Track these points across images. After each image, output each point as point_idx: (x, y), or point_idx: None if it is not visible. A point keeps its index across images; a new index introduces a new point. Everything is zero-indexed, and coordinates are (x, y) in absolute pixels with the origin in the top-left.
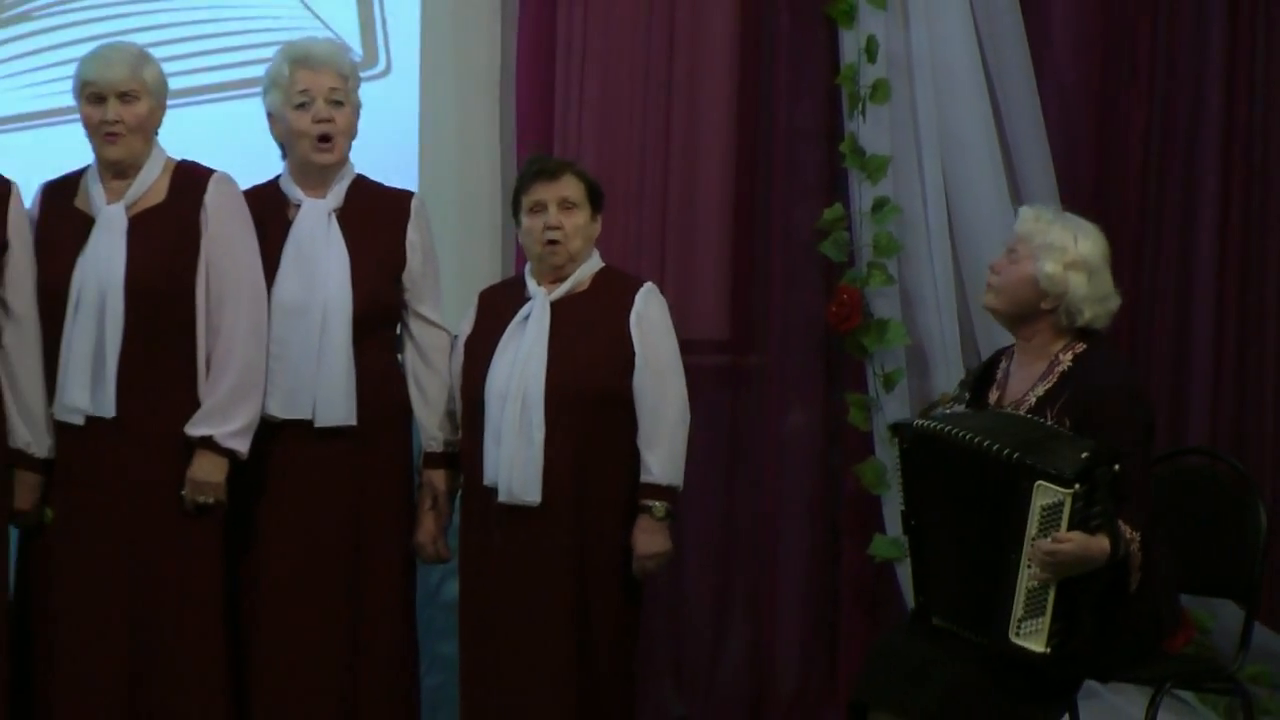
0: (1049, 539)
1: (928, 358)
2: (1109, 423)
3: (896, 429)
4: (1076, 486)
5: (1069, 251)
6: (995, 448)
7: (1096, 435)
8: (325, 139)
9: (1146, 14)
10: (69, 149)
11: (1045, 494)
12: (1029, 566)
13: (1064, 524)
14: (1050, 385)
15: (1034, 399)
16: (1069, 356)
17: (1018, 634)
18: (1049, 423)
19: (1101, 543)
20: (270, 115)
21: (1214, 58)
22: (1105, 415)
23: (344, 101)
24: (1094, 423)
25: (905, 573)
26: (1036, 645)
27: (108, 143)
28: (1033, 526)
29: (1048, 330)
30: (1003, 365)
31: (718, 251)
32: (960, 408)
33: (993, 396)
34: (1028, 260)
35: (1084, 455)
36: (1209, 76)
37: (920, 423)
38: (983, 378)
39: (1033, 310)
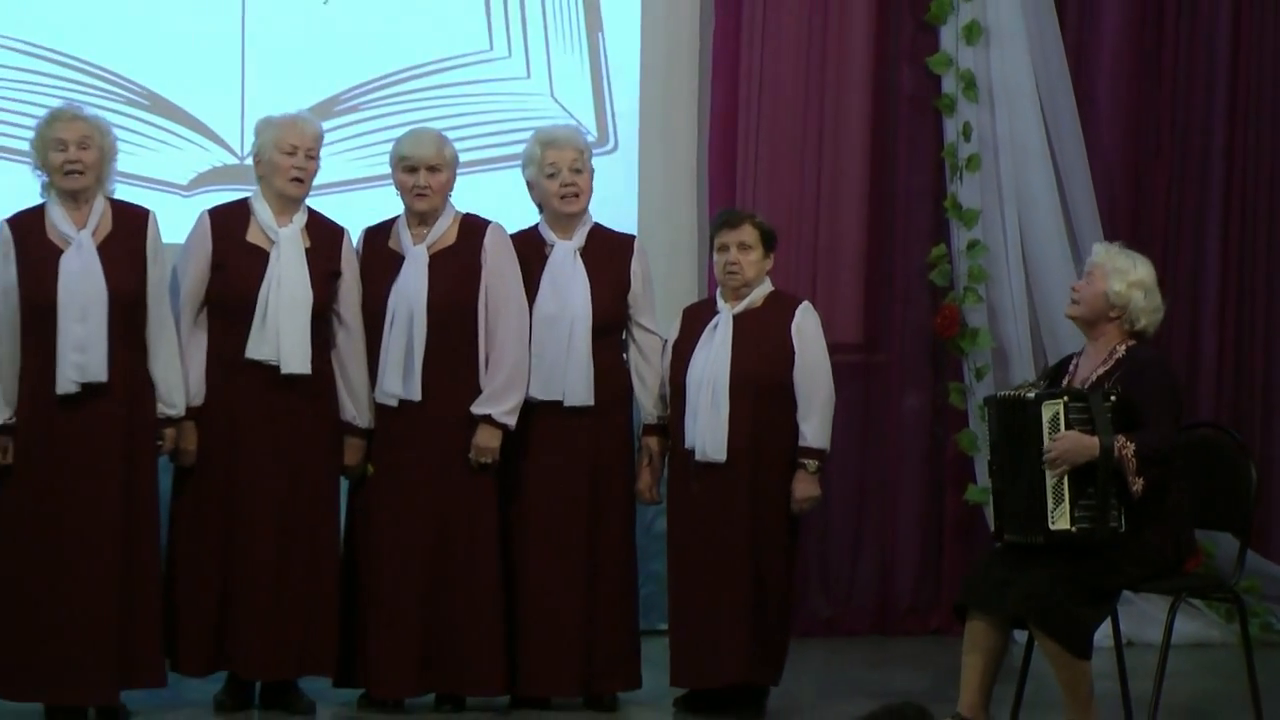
0: (1051, 440)
1: (1007, 355)
2: (1145, 385)
3: (986, 401)
4: (1066, 399)
5: (1130, 275)
6: (1024, 394)
7: (1134, 393)
8: (570, 197)
9: (1166, 97)
10: (378, 206)
11: (1048, 409)
12: (1048, 467)
13: (1061, 427)
14: (1108, 368)
15: (1095, 377)
16: (1124, 349)
17: (1053, 522)
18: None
19: (1090, 440)
20: (529, 184)
21: (1217, 128)
22: (1143, 380)
23: (582, 169)
24: (1135, 386)
25: (989, 513)
26: (1065, 525)
27: (418, 201)
28: (1046, 437)
29: (1113, 332)
30: (1073, 363)
31: (855, 278)
32: (1038, 385)
33: (1065, 384)
34: (1101, 281)
35: (1081, 390)
36: (1214, 145)
37: (995, 394)
38: (1056, 372)
39: (1103, 317)
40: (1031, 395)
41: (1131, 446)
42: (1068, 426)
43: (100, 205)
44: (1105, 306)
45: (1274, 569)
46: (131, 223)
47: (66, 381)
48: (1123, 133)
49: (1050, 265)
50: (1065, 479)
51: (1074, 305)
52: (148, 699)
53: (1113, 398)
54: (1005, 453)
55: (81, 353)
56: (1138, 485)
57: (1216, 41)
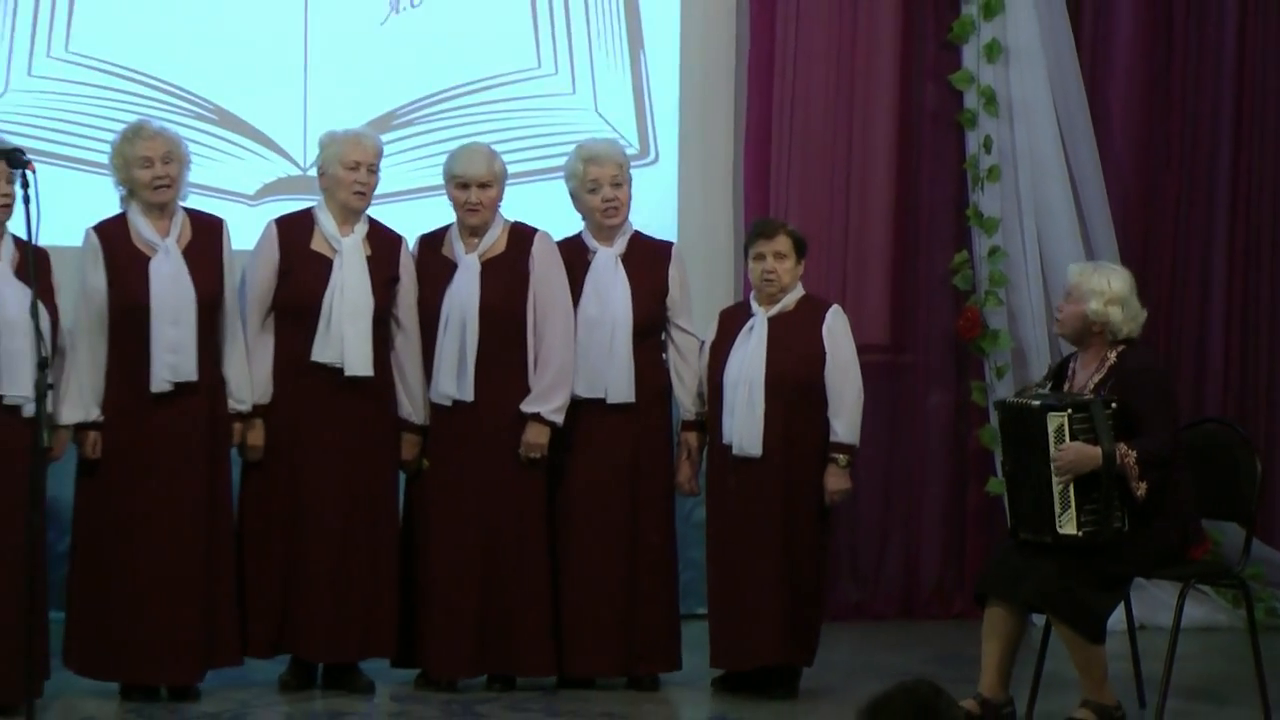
0: (1056, 451)
1: (1026, 355)
2: (1141, 392)
3: (995, 404)
4: (1070, 411)
5: (1106, 293)
6: (1030, 402)
7: (1131, 401)
8: (611, 211)
9: (1176, 113)
10: (433, 214)
11: (1053, 420)
12: (1055, 475)
13: (1066, 438)
14: (1102, 376)
15: (1091, 385)
16: (1114, 355)
17: (1060, 526)
18: (1099, 398)
19: (1093, 450)
20: (572, 195)
21: (1224, 141)
22: (1138, 387)
23: (621, 183)
24: (1131, 393)
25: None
26: (1071, 529)
27: (470, 216)
28: (1052, 446)
29: (1099, 343)
30: (1071, 365)
31: (882, 283)
32: (1043, 392)
33: (1065, 388)
34: (1079, 302)
35: (1084, 400)
36: (1221, 157)
37: (1005, 399)
38: (1058, 373)
39: (1087, 334)
40: (1037, 404)
41: (1133, 454)
42: (1072, 437)
43: (180, 215)
44: (1087, 324)
45: (1278, 556)
46: (208, 230)
47: (161, 381)
48: (1134, 145)
49: (1066, 270)
50: (1070, 486)
51: (1059, 324)
52: (215, 679)
53: (1113, 405)
54: (1014, 456)
55: (174, 353)
56: (1141, 489)
57: (1223, 61)
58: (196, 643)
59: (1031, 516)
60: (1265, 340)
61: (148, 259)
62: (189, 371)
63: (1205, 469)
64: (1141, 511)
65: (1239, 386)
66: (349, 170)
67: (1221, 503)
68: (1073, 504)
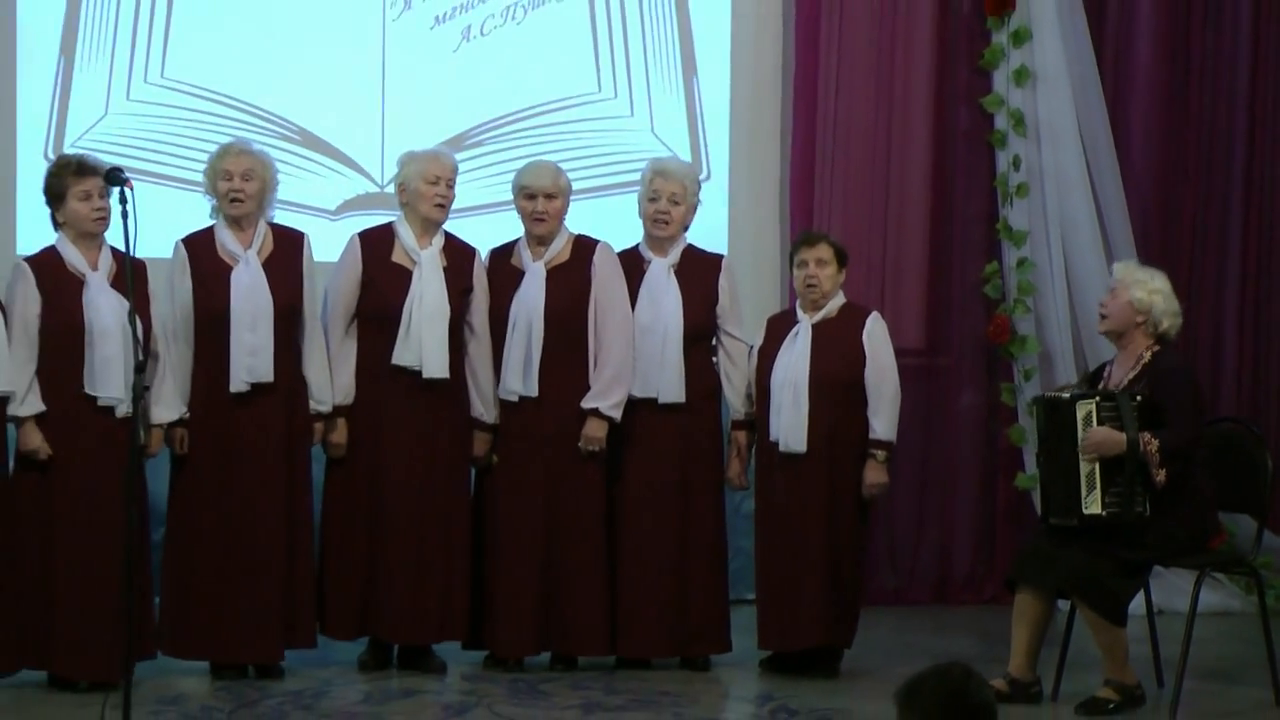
0: (1085, 434)
1: (1052, 359)
2: (1170, 388)
3: (1033, 400)
4: (1098, 399)
5: (1149, 284)
6: (1061, 394)
7: (1159, 397)
8: (659, 223)
9: (1192, 133)
10: (502, 229)
11: (1083, 408)
12: (1082, 458)
13: (1094, 423)
14: (1136, 373)
15: (1126, 381)
16: (1149, 354)
17: (1086, 507)
18: (1133, 395)
19: (1118, 435)
20: (639, 202)
21: (1237, 159)
22: (1168, 384)
23: (680, 202)
24: (1161, 390)
25: (1036, 498)
26: (1096, 509)
27: (537, 225)
28: (1080, 430)
29: (1140, 339)
30: (1107, 368)
31: (918, 291)
32: (1076, 388)
33: (1101, 386)
34: (1125, 292)
35: (1112, 391)
36: (1235, 175)
37: (1042, 394)
38: (1094, 377)
39: (1131, 325)
40: (1067, 395)
41: (1155, 442)
42: (1100, 423)
43: (263, 228)
44: (1132, 314)
45: None
46: (289, 243)
47: (239, 382)
48: (1153, 164)
49: (1089, 280)
50: (1096, 469)
51: (1103, 320)
52: (299, 659)
53: (1139, 398)
54: (1047, 446)
55: (252, 356)
56: (1160, 476)
57: (1236, 84)
58: (277, 624)
59: (1061, 502)
60: (1276, 345)
61: (230, 269)
62: (265, 373)
63: (1221, 465)
64: (1161, 501)
65: (1252, 388)
66: (430, 185)
67: (1236, 496)
68: (1098, 485)
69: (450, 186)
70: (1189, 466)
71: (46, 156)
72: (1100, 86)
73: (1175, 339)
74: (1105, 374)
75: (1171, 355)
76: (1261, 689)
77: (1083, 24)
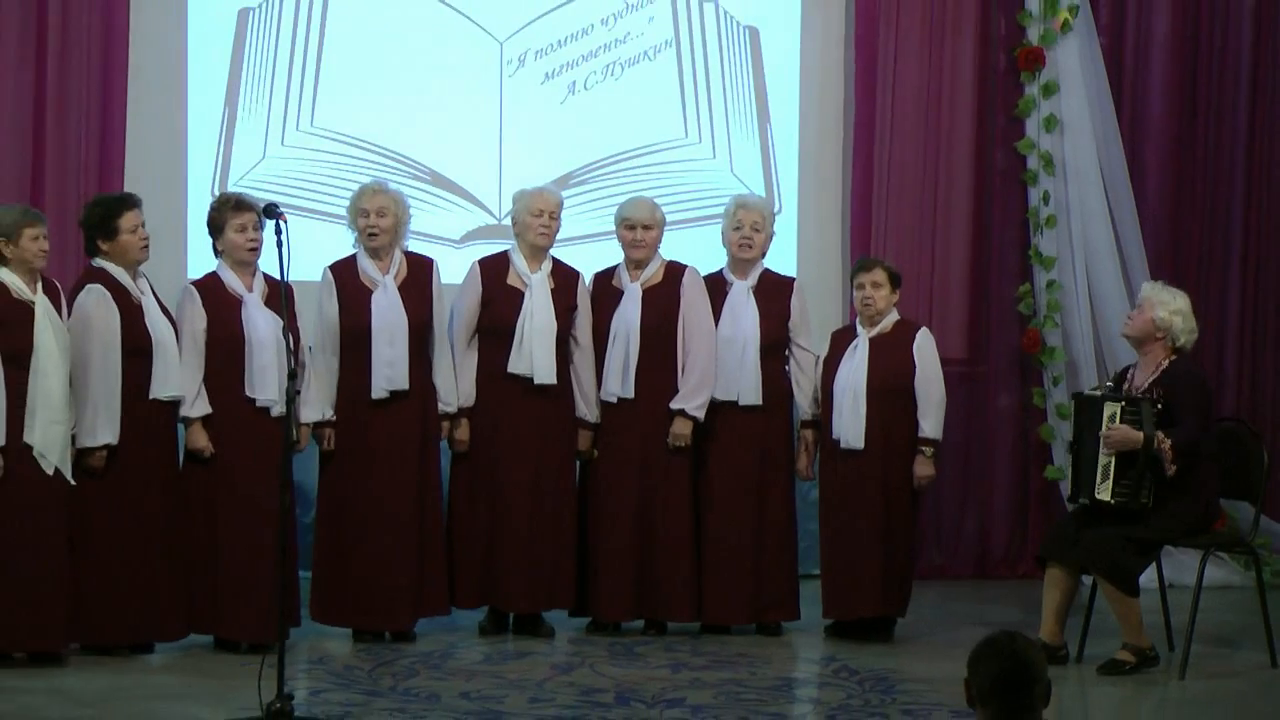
0: (1106, 430)
1: (1076, 367)
2: (1183, 393)
3: (1073, 396)
4: (1123, 403)
5: (1171, 305)
6: (1094, 394)
7: (1174, 401)
8: (744, 248)
9: (1199, 174)
10: (604, 255)
11: (1109, 408)
12: (1102, 451)
13: (1117, 421)
14: (1155, 378)
15: (1147, 385)
16: (1167, 362)
17: (1098, 492)
18: (1151, 397)
19: (1136, 434)
20: (722, 232)
21: (1237, 194)
22: (1182, 390)
23: (761, 229)
24: (1174, 394)
25: (1063, 486)
26: (1106, 496)
27: (635, 251)
28: (1104, 426)
29: (1159, 349)
30: (1130, 371)
31: (962, 309)
32: (1109, 386)
33: (1125, 387)
34: (1149, 310)
35: (1136, 396)
36: (1235, 208)
37: (1079, 392)
38: (1120, 378)
39: (1151, 337)
40: (1099, 395)
41: (1169, 441)
42: (1122, 422)
43: (398, 256)
44: (1152, 329)
45: None
46: (421, 268)
47: (379, 389)
48: (1165, 200)
49: (1109, 299)
50: (1113, 462)
51: (1128, 325)
52: (428, 625)
53: (1159, 405)
54: (1079, 437)
55: (390, 367)
56: (1172, 470)
57: (1237, 133)
58: (411, 595)
59: (1084, 484)
60: (1270, 354)
61: (370, 292)
62: (401, 381)
63: (1224, 458)
64: (1171, 489)
65: (1250, 391)
66: (535, 217)
67: (1236, 485)
68: (1111, 477)
69: (554, 218)
70: (1197, 460)
71: (213, 194)
72: (1118, 132)
73: (1190, 350)
74: (1129, 375)
75: (1186, 364)
76: (1259, 653)
77: (1103, 79)
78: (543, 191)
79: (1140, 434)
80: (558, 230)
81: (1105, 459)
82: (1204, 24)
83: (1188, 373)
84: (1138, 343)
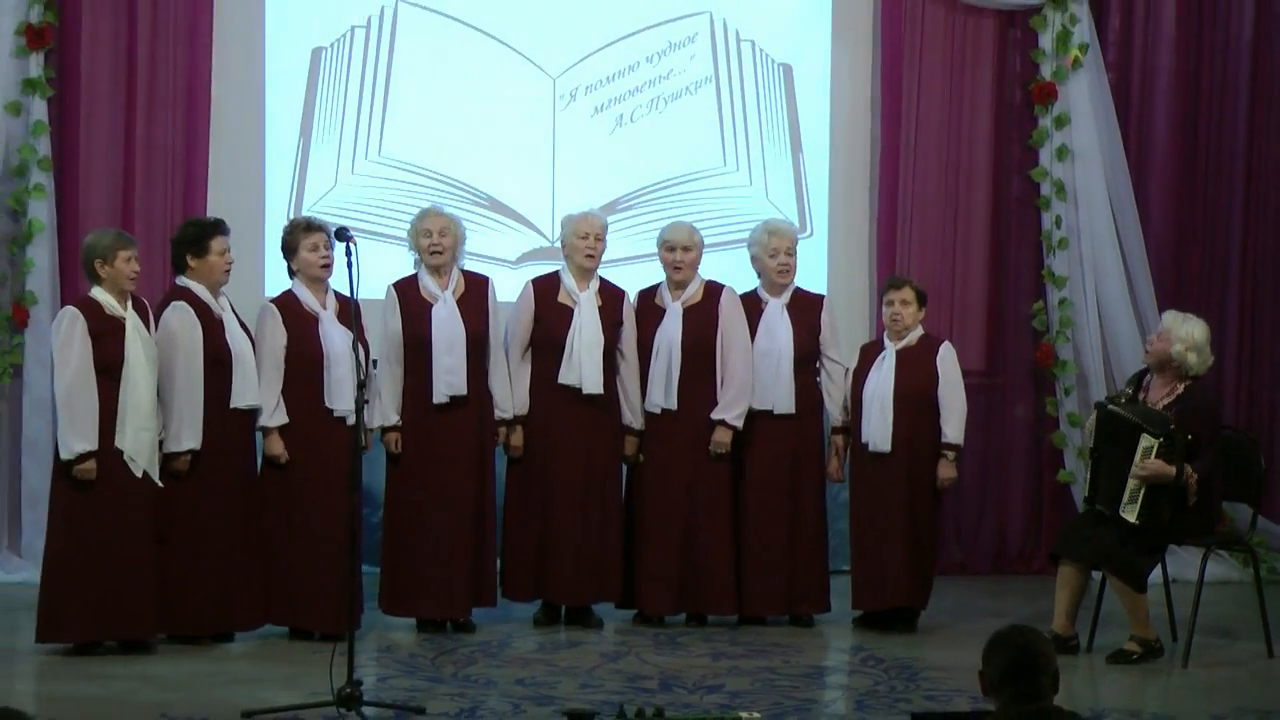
0: (1143, 463)
1: (1086, 379)
2: (1202, 427)
3: (1096, 405)
4: (1161, 439)
5: (1186, 340)
6: (1129, 416)
7: (1190, 427)
8: (784, 273)
9: (1200, 200)
10: (648, 274)
11: (1146, 439)
12: (1134, 477)
13: (1152, 456)
14: (1171, 400)
15: (1162, 404)
16: (1182, 387)
17: (1124, 511)
18: (1164, 414)
19: (1170, 468)
20: (754, 258)
21: (1235, 220)
22: (1199, 420)
23: (793, 253)
24: (1191, 422)
25: (1075, 490)
26: (1131, 518)
27: (676, 273)
28: (1139, 455)
29: (1173, 375)
30: (1146, 379)
31: (981, 324)
32: (1128, 392)
33: (1141, 395)
34: (1168, 339)
35: (1170, 427)
36: (1234, 232)
37: (1105, 404)
38: (1137, 381)
39: (1166, 366)
40: (1136, 419)
41: (1195, 476)
42: (1157, 456)
43: (456, 274)
44: (1169, 358)
45: (1278, 529)
46: (478, 286)
47: (440, 394)
48: (1168, 223)
49: (1116, 316)
50: (1143, 491)
51: (1147, 355)
52: (486, 616)
53: (1190, 437)
54: (1102, 448)
55: (450, 374)
56: (1194, 499)
57: (1235, 160)
58: (468, 588)
59: (1106, 494)
60: (1266, 368)
61: (430, 306)
62: (460, 388)
63: (1227, 464)
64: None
65: (1248, 401)
66: (581, 239)
67: (1235, 489)
68: (1139, 502)
69: (599, 240)
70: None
71: (288, 218)
72: (1125, 161)
73: (1205, 375)
74: (1146, 383)
75: (1200, 393)
76: (1256, 643)
77: (1111, 112)
78: (588, 215)
79: (1173, 469)
80: (603, 251)
81: (1135, 484)
82: (1204, 62)
83: (1204, 406)
84: (1156, 367)
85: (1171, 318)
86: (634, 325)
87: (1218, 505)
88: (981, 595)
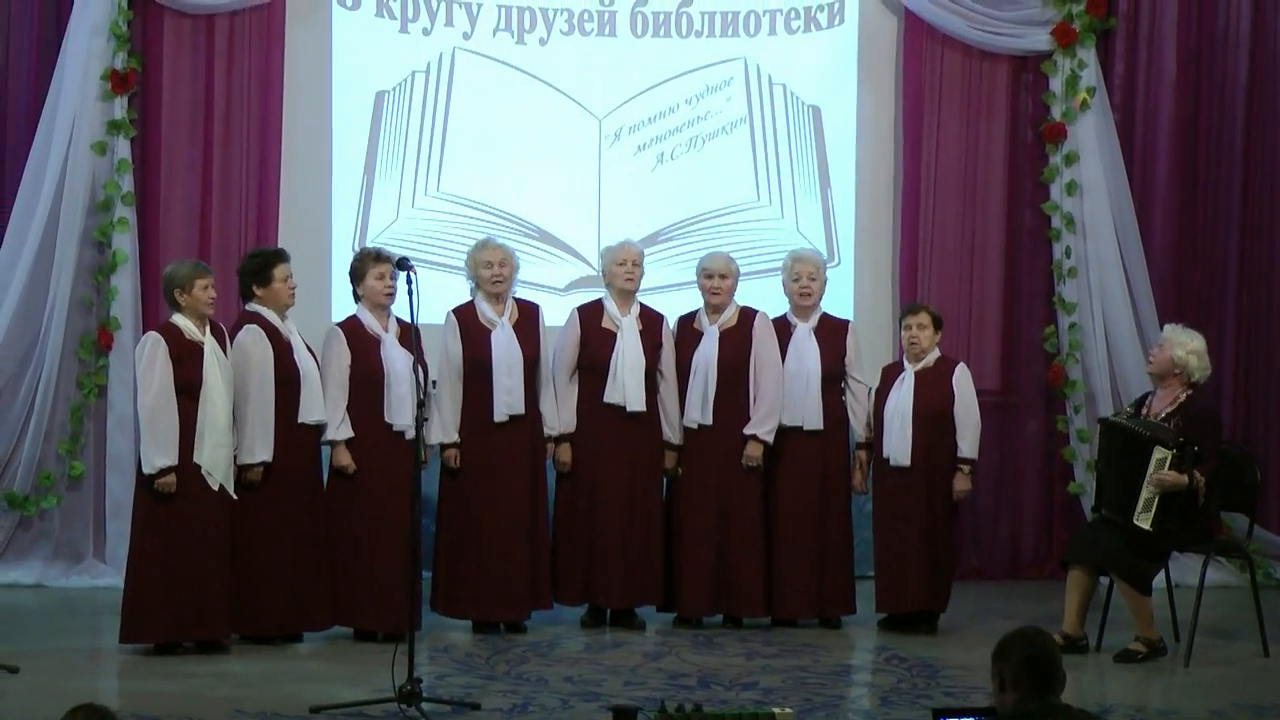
0: (1158, 474)
1: (1095, 398)
2: (1200, 428)
3: (1101, 421)
4: (1173, 450)
5: (1188, 345)
6: (1142, 431)
7: (1194, 435)
8: (804, 296)
9: (1200, 232)
10: (687, 301)
11: (1159, 452)
12: (1147, 487)
13: (1166, 467)
14: (1173, 409)
15: (1164, 414)
16: (1184, 396)
17: (1137, 519)
18: (1169, 425)
19: (1183, 478)
20: (783, 284)
21: (1233, 246)
22: (1199, 424)
23: (816, 278)
24: (1193, 428)
25: (1084, 501)
26: (1145, 525)
27: (714, 298)
28: (1152, 466)
29: (1175, 383)
30: (1149, 399)
31: (995, 347)
32: (1131, 411)
33: (1143, 413)
34: (1169, 348)
35: (1180, 440)
36: (1231, 258)
37: (1109, 418)
38: (1139, 403)
39: (1169, 373)
40: (1147, 434)
41: (1203, 481)
42: (1170, 467)
43: (510, 301)
44: (1171, 366)
45: (1273, 538)
46: (530, 312)
47: (501, 413)
48: (1170, 253)
49: (1122, 339)
50: (1156, 500)
51: (1150, 364)
52: (537, 618)
53: (1196, 448)
54: (1110, 461)
55: (509, 394)
56: (1203, 501)
57: (1232, 194)
58: (523, 592)
59: (1116, 502)
60: (1261, 385)
61: (488, 331)
62: (519, 407)
63: (1225, 475)
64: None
65: (1245, 417)
66: (619, 266)
67: (1233, 500)
68: (1153, 511)
69: (636, 265)
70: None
71: (353, 250)
72: (1130, 195)
73: (1204, 384)
74: (1147, 402)
75: (1201, 402)
76: (1253, 643)
77: (1117, 150)
78: (625, 245)
79: (1184, 478)
80: (641, 276)
81: (1150, 494)
82: (1203, 104)
83: (1206, 411)
84: (1158, 378)
85: (1171, 329)
86: (672, 347)
87: (1217, 515)
88: (997, 599)
